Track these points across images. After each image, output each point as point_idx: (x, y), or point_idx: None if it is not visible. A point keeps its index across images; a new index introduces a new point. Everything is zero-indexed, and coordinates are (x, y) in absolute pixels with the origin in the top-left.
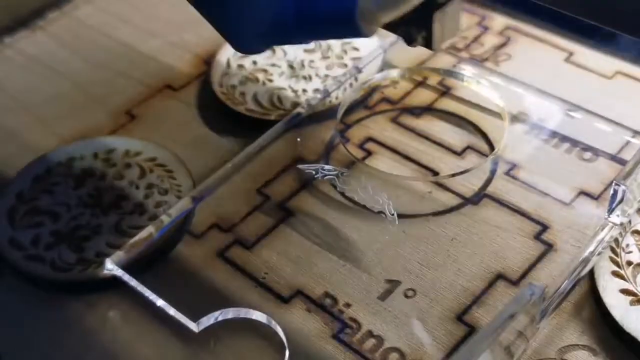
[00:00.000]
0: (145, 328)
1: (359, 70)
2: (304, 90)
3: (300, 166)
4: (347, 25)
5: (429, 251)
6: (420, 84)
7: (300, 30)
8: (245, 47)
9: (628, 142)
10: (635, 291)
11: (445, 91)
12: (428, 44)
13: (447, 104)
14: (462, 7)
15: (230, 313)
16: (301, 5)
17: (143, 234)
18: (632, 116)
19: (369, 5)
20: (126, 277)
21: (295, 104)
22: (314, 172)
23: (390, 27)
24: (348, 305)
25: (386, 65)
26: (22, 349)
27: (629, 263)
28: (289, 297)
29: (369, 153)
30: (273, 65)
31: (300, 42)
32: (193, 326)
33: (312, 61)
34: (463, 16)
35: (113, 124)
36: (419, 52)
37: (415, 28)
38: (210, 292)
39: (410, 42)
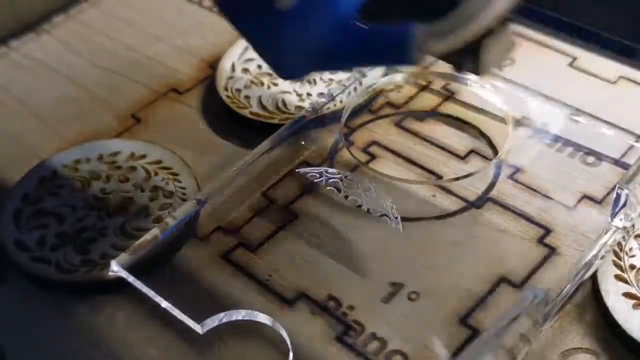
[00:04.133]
0: (150, 329)
1: (364, 75)
2: (309, 94)
3: (304, 170)
4: (397, 54)
5: (432, 254)
6: (424, 88)
7: (346, 58)
8: (289, 73)
9: (631, 147)
10: (638, 295)
11: (449, 95)
12: (476, 70)
13: (451, 108)
14: (511, 33)
15: (234, 315)
16: (348, 32)
17: (148, 236)
18: (635, 121)
19: (423, 34)
20: (131, 279)
21: (300, 108)
22: (318, 176)
23: (439, 54)
24: (352, 307)
25: (390, 70)
26: (26, 349)
27: (632, 267)
28: (293, 299)
29: (373, 157)
30: None
31: (346, 69)
32: (198, 328)
33: None
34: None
35: (118, 127)
36: None
37: (464, 54)
38: (214, 294)
39: (459, 69)
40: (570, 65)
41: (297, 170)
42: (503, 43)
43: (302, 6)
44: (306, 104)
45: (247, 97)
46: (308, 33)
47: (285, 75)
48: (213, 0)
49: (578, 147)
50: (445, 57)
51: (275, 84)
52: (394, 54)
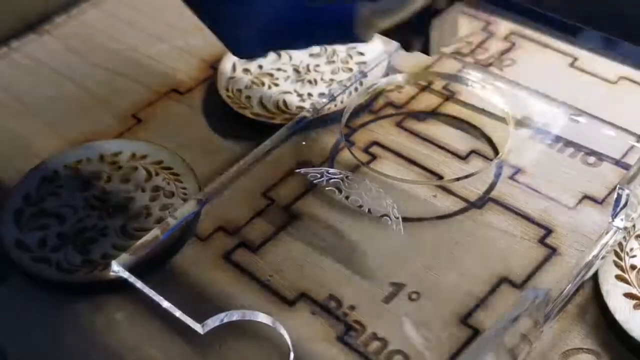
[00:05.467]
0: (151, 329)
1: (364, 75)
2: (310, 95)
3: (305, 170)
4: (345, 31)
5: (433, 254)
6: (425, 88)
7: (298, 35)
8: (244, 52)
9: (632, 147)
10: (639, 295)
11: (450, 96)
12: (425, 49)
13: (451, 108)
14: (460, 13)
15: (235, 315)
16: (299, 11)
17: (149, 236)
18: (636, 121)
19: (367, 11)
20: (132, 279)
21: (301, 108)
22: (318, 176)
23: (387, 33)
24: (352, 307)
25: (391, 70)
26: (27, 349)
27: (633, 267)
28: (294, 299)
29: (374, 157)
30: (279, 69)
31: (298, 47)
32: (198, 328)
33: (317, 65)
34: (461, 21)
35: (119, 127)
36: (424, 57)
37: (413, 34)
38: (215, 294)
39: (407, 48)
40: (571, 65)
41: (298, 170)
42: (451, 23)
43: None
44: (307, 104)
45: (248, 97)
46: (260, 11)
47: (242, 55)
48: None
49: (579, 148)
50: (394, 36)
51: (277, 84)
52: (340, 31)
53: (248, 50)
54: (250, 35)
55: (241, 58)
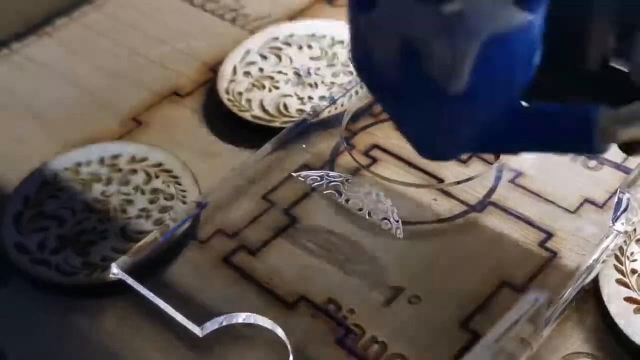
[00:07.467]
0: (150, 332)
1: None
2: (310, 98)
3: (305, 173)
4: (581, 141)
5: (432, 258)
6: None
7: (519, 141)
8: (443, 156)
9: None
10: None
11: None
12: None
13: None
14: None
15: (234, 318)
16: (529, 117)
17: (148, 238)
18: None
19: (611, 120)
20: (131, 282)
21: (301, 111)
22: (318, 179)
23: (630, 146)
24: (352, 311)
25: None
26: (27, 352)
27: (634, 271)
28: (293, 302)
29: (374, 160)
30: (279, 72)
31: (513, 152)
32: (197, 331)
33: (318, 68)
34: None
35: (120, 130)
36: None
37: None
38: (214, 297)
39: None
40: None
41: (297, 173)
42: None
43: (476, 88)
44: (307, 108)
45: (248, 100)
46: (477, 116)
47: (435, 157)
48: (357, 71)
49: None
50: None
51: (277, 87)
52: (573, 140)
53: (445, 154)
54: (454, 140)
55: (432, 160)
